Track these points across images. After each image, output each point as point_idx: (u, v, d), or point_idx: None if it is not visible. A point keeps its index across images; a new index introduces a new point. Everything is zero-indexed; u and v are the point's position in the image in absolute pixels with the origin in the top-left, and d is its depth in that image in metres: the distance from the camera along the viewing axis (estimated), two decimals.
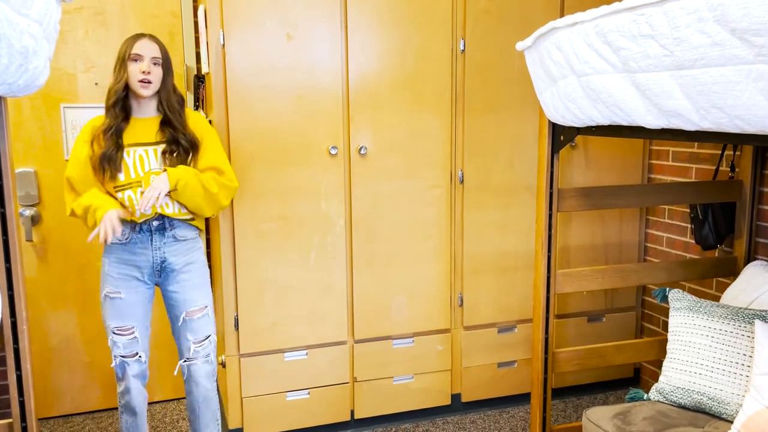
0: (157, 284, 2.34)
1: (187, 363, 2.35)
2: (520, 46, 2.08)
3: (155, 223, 2.23)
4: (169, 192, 2.18)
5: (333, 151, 2.70)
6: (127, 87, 2.18)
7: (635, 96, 1.61)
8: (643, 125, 1.65)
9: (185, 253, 2.30)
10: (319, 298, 2.78)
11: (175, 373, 2.40)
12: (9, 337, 1.78)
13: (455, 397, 3.07)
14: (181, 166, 2.21)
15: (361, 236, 2.79)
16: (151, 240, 2.24)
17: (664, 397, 2.20)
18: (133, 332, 2.26)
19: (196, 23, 3.01)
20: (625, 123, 1.72)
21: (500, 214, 2.98)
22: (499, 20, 2.83)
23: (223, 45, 2.52)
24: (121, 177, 2.18)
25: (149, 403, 3.22)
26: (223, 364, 2.75)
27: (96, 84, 2.94)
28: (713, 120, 1.40)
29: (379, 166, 2.77)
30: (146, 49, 2.17)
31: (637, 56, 1.53)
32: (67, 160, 2.93)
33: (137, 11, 2.95)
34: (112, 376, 3.13)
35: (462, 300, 2.98)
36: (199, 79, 2.95)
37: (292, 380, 2.80)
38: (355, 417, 2.93)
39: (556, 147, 2.24)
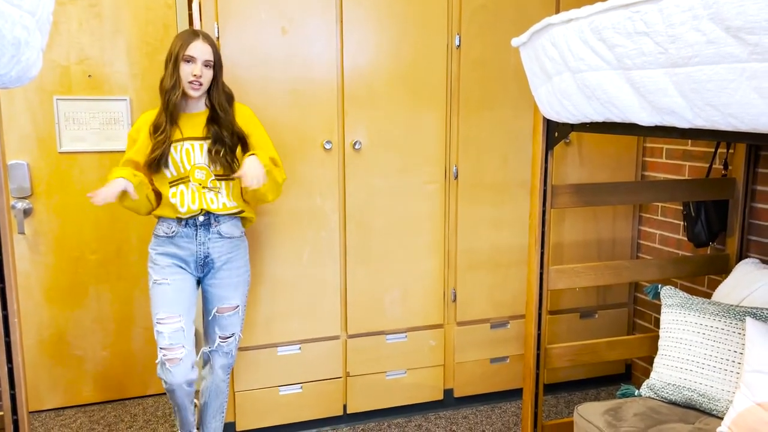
0: (197, 279, 2.36)
1: (208, 350, 2.42)
2: (515, 42, 2.08)
3: (201, 219, 2.26)
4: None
5: (327, 146, 2.69)
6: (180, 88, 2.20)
7: (630, 93, 1.61)
8: (637, 122, 1.66)
9: (228, 251, 2.32)
10: (312, 292, 2.78)
11: (197, 358, 2.41)
12: (0, 330, 1.77)
13: (448, 392, 3.08)
14: (260, 153, 2.22)
15: (355, 231, 2.79)
16: (196, 235, 2.26)
17: (655, 394, 2.21)
18: (179, 321, 2.23)
19: (190, 16, 2.99)
20: (619, 120, 1.72)
21: (494, 210, 2.98)
22: (494, 16, 2.83)
23: (218, 38, 2.51)
24: (173, 171, 2.22)
25: (143, 397, 3.22)
26: None
27: (89, 76, 2.92)
28: (707, 118, 1.40)
29: (373, 161, 2.77)
30: (199, 51, 2.17)
31: (632, 53, 1.53)
32: (60, 153, 2.93)
33: (131, 3, 2.93)
34: (104, 369, 3.13)
35: (455, 295, 2.99)
36: None
37: (285, 374, 2.80)
38: (348, 411, 2.93)
39: (550, 143, 2.24)
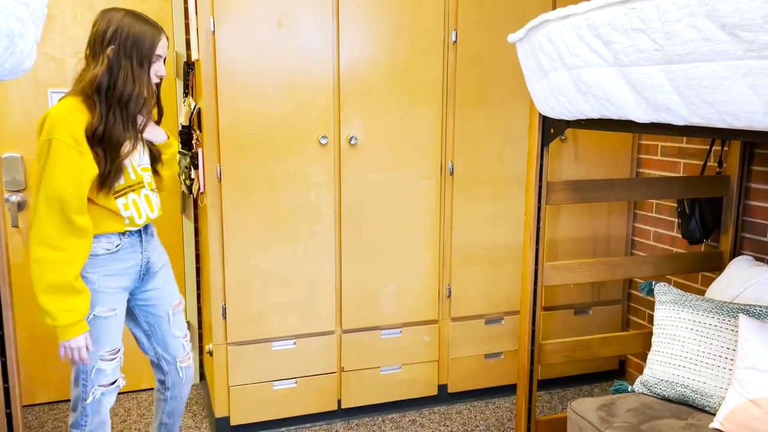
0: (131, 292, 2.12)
1: (180, 365, 2.20)
2: (511, 38, 2.08)
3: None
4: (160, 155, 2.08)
5: (323, 141, 2.69)
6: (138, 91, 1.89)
7: (625, 90, 1.61)
8: (632, 119, 1.66)
9: (160, 251, 2.17)
10: (307, 287, 2.78)
11: (161, 388, 2.22)
12: None
13: (442, 388, 3.09)
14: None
15: (351, 227, 2.79)
16: (141, 241, 2.04)
17: (649, 390, 2.22)
18: (119, 353, 2.05)
19: (186, 9, 2.98)
20: (614, 117, 1.73)
21: (490, 206, 2.98)
22: (491, 12, 2.83)
23: (213, 32, 2.50)
24: (121, 180, 1.93)
25: (137, 391, 3.22)
26: (210, 353, 2.75)
27: None
28: (702, 115, 1.41)
29: (369, 156, 2.77)
30: (165, 48, 1.95)
31: (628, 50, 1.53)
32: None
33: None
34: None
35: (450, 291, 2.99)
36: (189, 66, 2.92)
37: (280, 369, 2.80)
38: (342, 406, 2.93)
39: (546, 140, 2.24)
